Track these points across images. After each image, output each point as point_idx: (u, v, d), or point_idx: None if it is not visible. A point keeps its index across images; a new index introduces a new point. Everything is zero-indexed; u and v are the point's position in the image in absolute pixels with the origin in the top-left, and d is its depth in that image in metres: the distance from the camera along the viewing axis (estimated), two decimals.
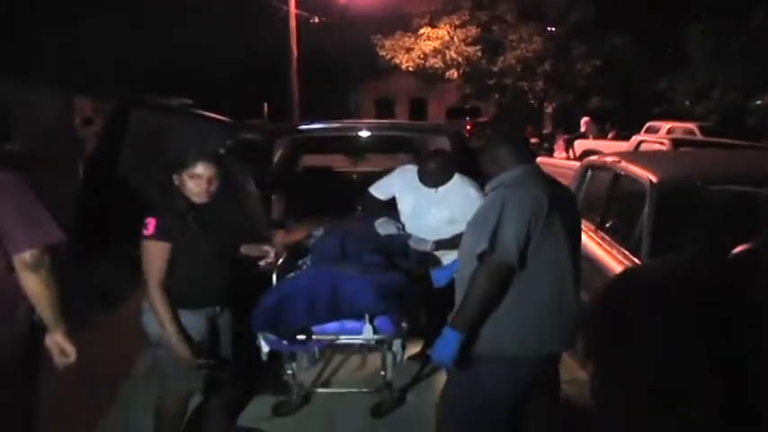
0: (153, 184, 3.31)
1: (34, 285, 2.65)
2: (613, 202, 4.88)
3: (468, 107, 29.18)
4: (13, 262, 2.64)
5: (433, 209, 4.60)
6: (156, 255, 3.12)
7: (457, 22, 23.70)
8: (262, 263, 3.81)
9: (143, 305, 3.23)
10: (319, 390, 4.40)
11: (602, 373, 3.65)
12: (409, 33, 24.37)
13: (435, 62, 23.88)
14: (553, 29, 23.24)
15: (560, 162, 15.30)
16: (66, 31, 16.91)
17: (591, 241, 4.61)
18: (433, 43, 23.71)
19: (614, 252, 4.26)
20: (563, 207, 2.85)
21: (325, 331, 3.88)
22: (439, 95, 29.81)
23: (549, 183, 2.95)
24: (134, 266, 3.20)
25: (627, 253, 4.09)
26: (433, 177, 4.57)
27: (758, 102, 17.92)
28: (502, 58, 23.52)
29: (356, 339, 3.91)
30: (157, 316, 3.11)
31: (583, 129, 19.33)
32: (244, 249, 3.73)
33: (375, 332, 3.81)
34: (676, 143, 12.23)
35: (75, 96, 8.20)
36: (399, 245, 4.62)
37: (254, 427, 3.91)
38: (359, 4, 24.92)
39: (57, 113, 6.97)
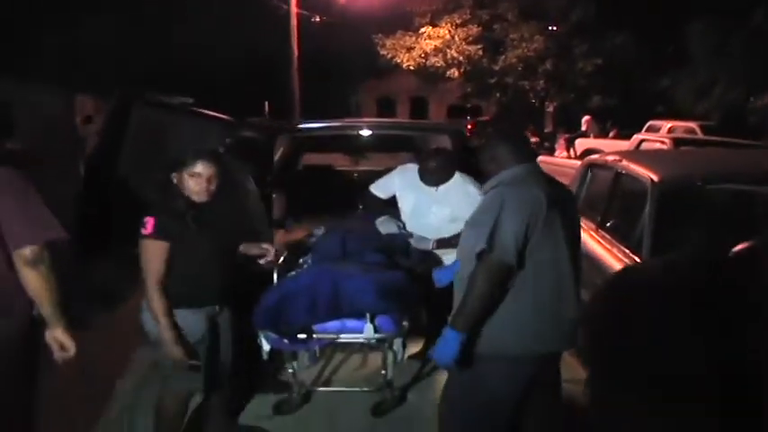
0: (151, 184, 3.30)
1: (34, 281, 2.67)
2: (614, 201, 4.87)
3: (469, 106, 29.18)
4: (12, 258, 2.66)
5: (433, 207, 4.60)
6: (154, 254, 3.12)
7: (458, 21, 23.69)
8: (261, 261, 3.81)
9: (142, 304, 3.23)
10: (320, 388, 4.40)
11: (602, 372, 3.64)
12: (410, 32, 24.36)
13: (436, 61, 23.88)
14: (554, 28, 23.22)
15: (561, 161, 15.27)
16: (66, 32, 16.90)
17: (592, 240, 4.61)
18: (434, 42, 23.70)
19: (615, 251, 4.26)
20: (562, 206, 2.85)
21: (327, 330, 3.88)
22: (440, 95, 29.80)
23: (548, 182, 2.94)
24: (134, 265, 3.20)
25: (628, 252, 4.08)
26: (433, 176, 4.57)
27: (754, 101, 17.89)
28: (503, 56, 23.51)
29: (357, 338, 3.91)
30: (153, 315, 3.11)
31: (584, 128, 19.31)
32: (243, 248, 3.73)
33: (376, 331, 3.81)
34: (677, 142, 12.22)
35: (76, 95, 8.21)
36: (400, 244, 4.62)
37: (254, 425, 3.91)
38: (360, 4, 24.90)
39: (57, 112, 6.98)
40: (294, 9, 22.18)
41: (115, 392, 4.29)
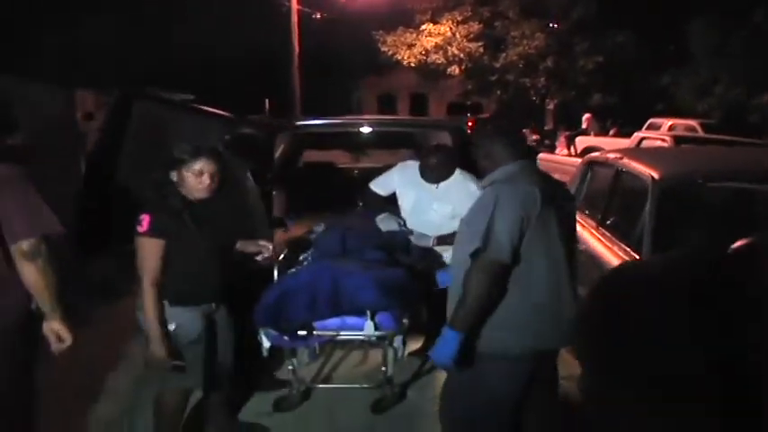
0: (149, 182, 3.29)
1: (31, 274, 2.70)
2: (615, 199, 4.87)
3: (469, 103, 29.15)
4: (11, 251, 2.69)
5: (434, 204, 4.60)
6: (149, 252, 3.11)
7: (459, 18, 23.67)
8: (258, 258, 3.81)
9: (138, 302, 3.22)
10: (320, 385, 4.41)
11: (600, 368, 3.65)
12: (411, 29, 24.33)
13: (437, 58, 23.86)
14: (555, 25, 23.19)
15: (562, 159, 15.24)
16: (66, 31, 16.90)
17: (592, 238, 4.61)
18: (434, 39, 23.67)
19: (615, 249, 4.26)
20: (557, 203, 2.85)
21: (327, 327, 3.88)
22: (440, 92, 29.77)
23: (544, 179, 2.94)
24: (134, 261, 3.20)
25: (628, 249, 4.08)
26: (434, 173, 4.57)
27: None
28: (504, 54, 23.48)
29: (357, 335, 3.91)
30: (144, 312, 3.11)
31: (584, 125, 19.29)
32: (240, 245, 3.72)
33: (376, 328, 3.81)
34: (678, 140, 12.21)
35: (77, 90, 8.20)
36: (401, 241, 4.62)
37: (254, 422, 3.92)
38: (360, 0, 24.89)
39: (58, 108, 6.97)
40: (295, 6, 22.18)
41: (107, 385, 4.30)
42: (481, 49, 23.61)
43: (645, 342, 3.03)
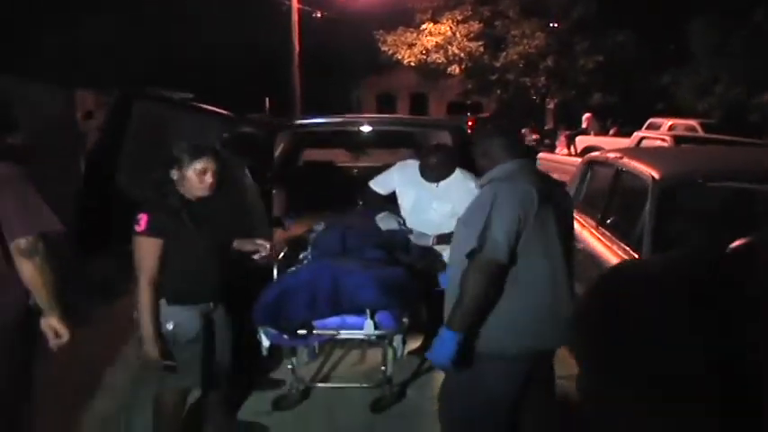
0: (147, 181, 3.29)
1: (29, 271, 2.74)
2: (615, 199, 4.87)
3: (469, 103, 29.15)
4: (10, 249, 2.73)
5: (434, 203, 4.60)
6: (147, 251, 3.11)
7: (459, 18, 23.66)
8: (256, 257, 3.80)
9: (135, 301, 3.22)
10: (319, 384, 4.40)
11: (598, 367, 3.65)
12: (411, 29, 24.32)
13: (437, 57, 23.86)
14: (555, 25, 23.19)
15: (562, 158, 15.23)
16: (66, 31, 16.89)
17: (592, 237, 4.61)
18: (435, 39, 23.67)
19: (615, 248, 4.26)
20: (555, 202, 2.84)
21: (326, 326, 3.88)
22: (440, 91, 29.76)
23: (541, 178, 2.93)
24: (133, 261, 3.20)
25: (628, 249, 4.08)
26: (434, 172, 4.57)
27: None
28: (504, 53, 23.48)
29: (357, 334, 3.91)
30: (139, 311, 3.11)
31: (584, 125, 19.27)
32: (236, 244, 3.72)
33: (376, 327, 3.81)
34: (678, 140, 12.21)
35: (77, 90, 8.19)
36: (401, 240, 4.63)
37: (253, 421, 3.91)
38: (361, 0, 24.90)
39: (58, 108, 6.97)
40: (295, 5, 22.17)
41: (104, 381, 4.30)
42: (481, 49, 23.61)
43: (644, 341, 3.03)
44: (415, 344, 4.65)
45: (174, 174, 3.24)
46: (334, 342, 4.40)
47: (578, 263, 4.25)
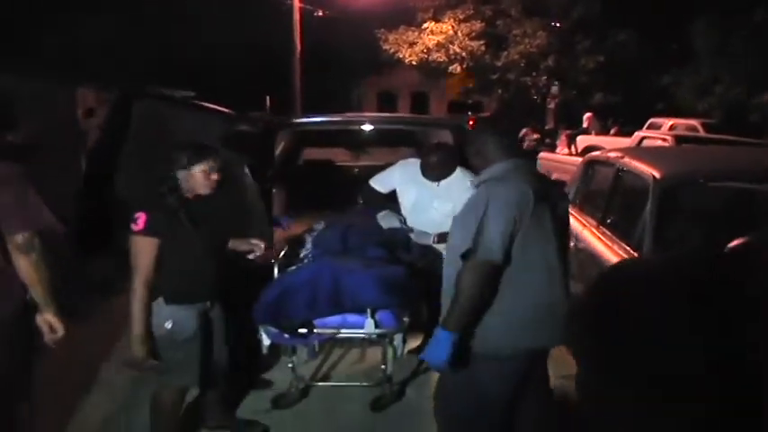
0: (148, 179, 3.29)
1: (25, 267, 2.79)
2: (615, 198, 4.87)
3: (470, 102, 29.14)
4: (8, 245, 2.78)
5: (435, 202, 4.60)
6: (144, 250, 3.11)
7: (461, 17, 23.64)
8: (251, 257, 3.80)
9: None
10: (319, 383, 4.40)
11: (598, 366, 3.65)
12: (413, 27, 24.32)
13: (439, 56, 23.84)
14: (557, 24, 23.17)
15: (562, 158, 15.19)
16: (67, 30, 16.88)
17: (593, 237, 4.61)
18: (436, 37, 23.65)
19: (616, 248, 4.25)
20: (551, 201, 2.84)
21: (327, 325, 3.88)
22: (441, 90, 29.75)
23: (536, 177, 2.92)
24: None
25: (629, 249, 4.08)
26: (435, 171, 4.57)
27: None
28: (505, 52, 23.47)
29: (358, 333, 3.91)
30: (132, 309, 3.11)
31: (585, 125, 19.26)
32: (231, 244, 3.72)
33: (377, 326, 3.81)
34: (679, 140, 12.19)
35: (78, 87, 8.19)
36: (402, 238, 4.62)
37: (253, 419, 3.90)
38: None
39: (58, 106, 6.96)
40: (297, 4, 22.16)
41: (103, 381, 4.30)
42: (483, 48, 23.59)
43: (644, 341, 3.03)
44: (415, 343, 4.64)
45: (181, 173, 3.24)
46: (334, 341, 4.40)
47: (579, 262, 4.27)
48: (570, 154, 17.25)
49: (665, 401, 2.82)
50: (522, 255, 2.70)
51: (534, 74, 23.69)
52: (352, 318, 3.87)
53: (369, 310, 3.80)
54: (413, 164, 4.77)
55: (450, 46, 23.56)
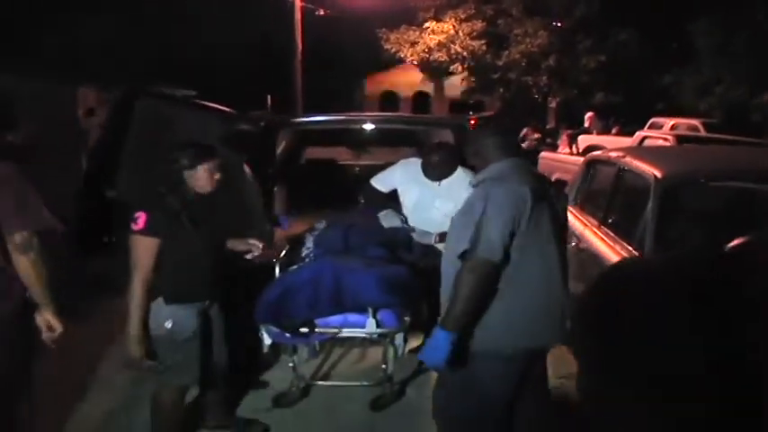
0: (149, 178, 3.30)
1: (24, 266, 2.81)
2: (617, 198, 4.86)
3: (471, 101, 29.14)
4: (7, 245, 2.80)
5: (436, 202, 4.60)
6: (144, 250, 3.12)
7: (462, 16, 23.66)
8: (248, 256, 3.80)
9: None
10: (319, 382, 4.40)
11: (598, 366, 3.65)
12: (414, 27, 24.33)
13: (440, 56, 23.85)
14: (558, 24, 23.17)
15: (564, 157, 15.17)
16: (67, 29, 16.90)
17: (594, 236, 4.60)
18: (437, 37, 23.67)
19: (617, 247, 4.25)
20: (549, 201, 2.83)
21: (329, 324, 3.88)
22: (442, 90, 29.75)
23: (535, 177, 2.92)
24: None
25: (630, 248, 4.07)
26: (436, 170, 4.57)
27: None
28: (507, 52, 23.46)
29: (359, 333, 3.91)
30: (130, 308, 3.12)
31: (586, 124, 19.22)
32: (229, 244, 3.72)
33: (378, 326, 3.81)
34: (680, 139, 12.18)
35: (79, 87, 8.20)
36: (403, 238, 4.62)
37: (253, 418, 3.90)
38: None
39: (59, 106, 6.97)
40: (298, 3, 22.16)
41: (103, 380, 4.31)
42: (484, 47, 23.60)
43: (644, 341, 3.03)
44: (416, 342, 4.64)
45: (184, 173, 3.24)
46: (335, 340, 4.40)
47: (580, 262, 4.26)
48: (572, 153, 17.22)
49: (665, 401, 2.82)
50: (521, 254, 2.70)
51: (535, 73, 23.67)
52: (353, 317, 3.86)
53: (370, 310, 3.80)
54: (414, 163, 4.76)
55: (452, 45, 23.59)
